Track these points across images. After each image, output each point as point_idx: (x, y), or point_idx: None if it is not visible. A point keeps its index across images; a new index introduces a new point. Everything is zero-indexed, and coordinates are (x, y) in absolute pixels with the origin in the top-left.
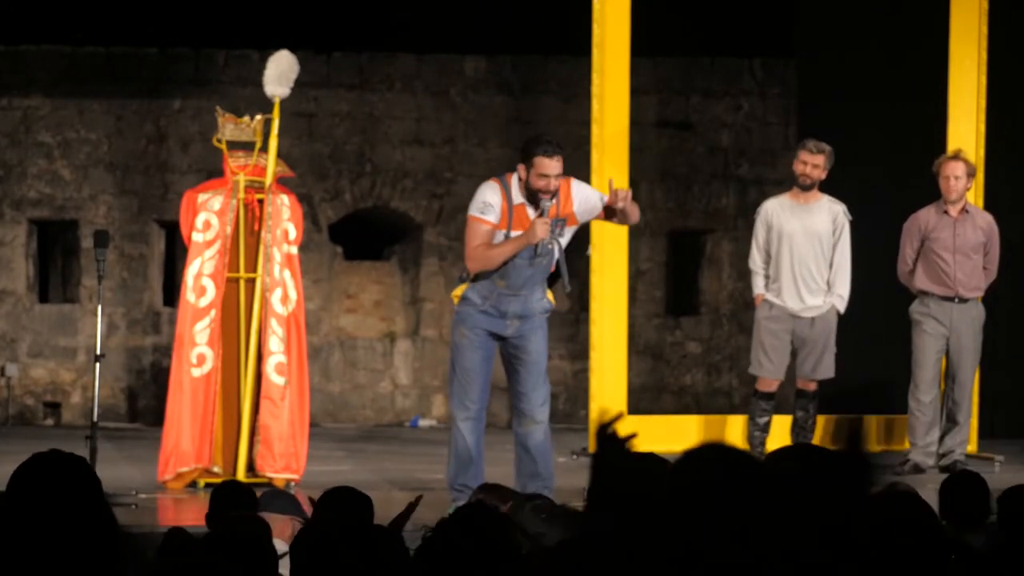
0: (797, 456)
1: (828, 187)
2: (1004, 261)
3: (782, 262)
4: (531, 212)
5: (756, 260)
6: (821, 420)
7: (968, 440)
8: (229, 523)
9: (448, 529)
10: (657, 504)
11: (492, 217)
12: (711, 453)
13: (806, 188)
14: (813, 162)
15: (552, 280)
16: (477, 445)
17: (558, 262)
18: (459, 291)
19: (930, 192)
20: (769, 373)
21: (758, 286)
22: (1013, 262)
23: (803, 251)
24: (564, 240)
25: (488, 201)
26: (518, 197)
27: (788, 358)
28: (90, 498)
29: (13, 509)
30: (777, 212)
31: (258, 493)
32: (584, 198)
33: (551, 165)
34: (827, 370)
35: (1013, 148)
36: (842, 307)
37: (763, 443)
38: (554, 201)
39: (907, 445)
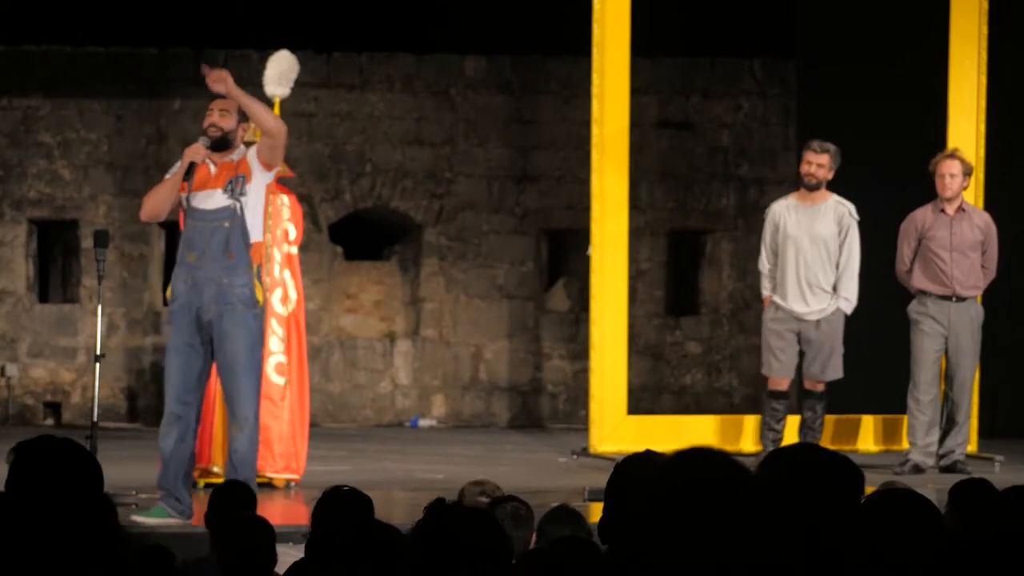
0: (793, 457)
1: (830, 187)
2: (1004, 260)
3: (787, 266)
4: (212, 168)
5: (764, 262)
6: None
7: (968, 440)
8: (232, 524)
9: (428, 527)
10: (642, 506)
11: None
12: (693, 458)
13: (812, 188)
14: (818, 162)
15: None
16: (176, 450)
17: (245, 225)
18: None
19: (930, 192)
20: (778, 372)
21: (766, 288)
22: (1013, 262)
23: (808, 256)
24: (250, 201)
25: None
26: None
27: (796, 357)
28: (91, 489)
29: (16, 491)
30: (784, 214)
31: (258, 493)
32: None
33: (214, 103)
34: (836, 371)
35: (1013, 148)
36: (848, 309)
37: (776, 444)
38: (211, 136)
39: (907, 445)
